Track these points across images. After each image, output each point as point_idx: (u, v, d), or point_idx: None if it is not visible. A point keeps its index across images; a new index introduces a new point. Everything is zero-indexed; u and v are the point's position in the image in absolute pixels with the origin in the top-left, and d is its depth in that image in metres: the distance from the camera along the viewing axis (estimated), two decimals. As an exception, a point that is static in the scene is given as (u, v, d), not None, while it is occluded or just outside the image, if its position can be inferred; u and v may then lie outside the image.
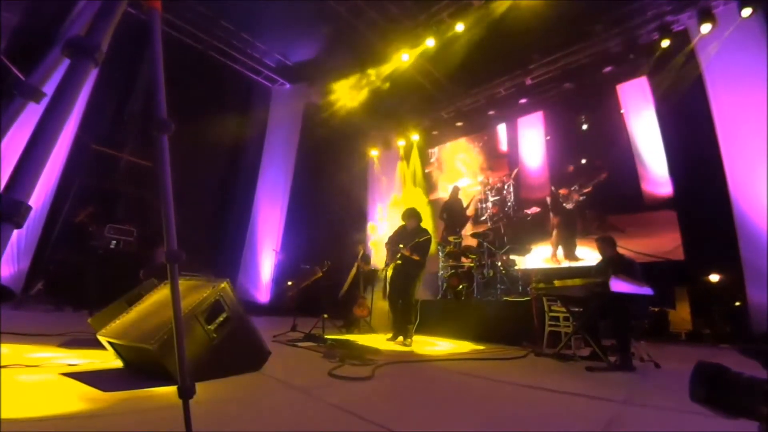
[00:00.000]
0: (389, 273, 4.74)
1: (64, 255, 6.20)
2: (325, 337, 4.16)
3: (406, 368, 3.01)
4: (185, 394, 0.82)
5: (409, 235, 4.66)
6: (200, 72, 7.37)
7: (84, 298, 5.30)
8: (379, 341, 4.45)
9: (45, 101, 0.60)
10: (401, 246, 4.55)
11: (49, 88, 0.65)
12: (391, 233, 5.02)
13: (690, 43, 6.02)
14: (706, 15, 5.74)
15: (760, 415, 0.59)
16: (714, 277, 5.56)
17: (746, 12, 5.34)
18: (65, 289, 5.85)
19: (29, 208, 0.50)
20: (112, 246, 6.26)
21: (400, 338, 4.47)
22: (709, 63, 5.74)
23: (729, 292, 5.31)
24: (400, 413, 1.79)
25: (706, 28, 5.70)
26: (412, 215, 4.85)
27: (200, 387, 1.99)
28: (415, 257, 4.52)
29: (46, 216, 5.80)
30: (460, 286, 6.06)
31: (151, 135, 0.77)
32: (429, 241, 4.66)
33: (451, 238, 6.81)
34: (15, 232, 0.51)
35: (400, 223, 4.95)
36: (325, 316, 5.18)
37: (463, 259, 6.46)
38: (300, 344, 3.86)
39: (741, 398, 0.61)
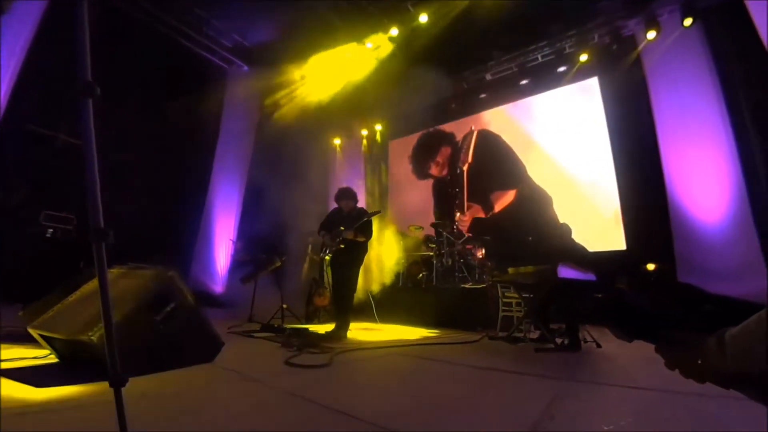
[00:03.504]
0: (327, 259, 4.40)
1: (-5, 243, 5.60)
2: (284, 326, 4.09)
3: (364, 355, 3.04)
4: (116, 382, 0.76)
5: (348, 218, 4.27)
6: (149, 48, 6.86)
7: (16, 289, 4.83)
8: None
9: None
10: (342, 229, 4.13)
11: None
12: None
13: (636, 48, 6.43)
14: (651, 22, 6.14)
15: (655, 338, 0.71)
16: (650, 266, 6.05)
17: (687, 22, 5.77)
18: (-4, 281, 5.31)
19: None
20: (48, 235, 5.74)
21: (362, 326, 4.38)
22: (653, 67, 6.17)
23: (662, 280, 5.80)
24: (358, 397, 1.80)
25: (651, 34, 6.10)
26: (347, 195, 4.44)
27: (146, 380, 1.90)
28: (361, 239, 4.17)
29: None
30: (420, 275, 6.18)
31: (76, 99, 0.69)
32: (371, 221, 4.35)
33: (412, 227, 6.89)
34: None
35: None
36: (284, 306, 5.10)
37: (424, 248, 6.59)
38: (257, 335, 3.78)
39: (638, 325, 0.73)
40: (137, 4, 6.68)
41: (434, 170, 7.77)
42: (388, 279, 6.40)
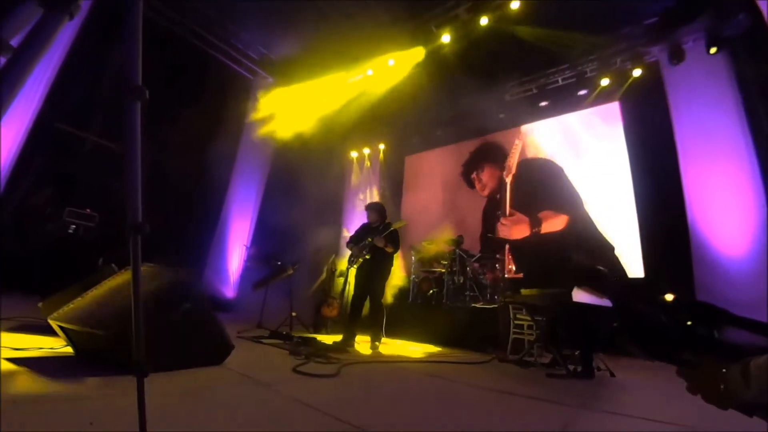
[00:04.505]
0: (352, 272, 4.49)
1: (17, 237, 5.81)
2: (292, 334, 4.09)
3: (371, 368, 3.01)
4: (140, 371, 0.78)
5: (375, 230, 4.42)
6: (177, 56, 7.15)
7: (36, 283, 4.98)
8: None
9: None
10: (369, 240, 4.28)
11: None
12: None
13: (660, 74, 6.39)
14: (676, 49, 6.12)
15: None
16: (669, 297, 5.87)
17: (713, 50, 5.73)
18: (16, 273, 5.48)
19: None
20: (70, 231, 5.92)
21: (367, 339, 4.23)
22: (676, 94, 6.11)
23: (684, 300, 5.59)
24: (363, 409, 1.78)
25: (675, 62, 6.07)
26: (373, 209, 4.65)
27: (158, 377, 1.93)
28: (389, 249, 4.28)
29: (1, 195, 5.42)
30: (431, 291, 6.13)
31: (124, 101, 0.74)
32: (398, 233, 4.46)
33: (424, 243, 6.87)
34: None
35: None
36: (294, 314, 5.12)
37: (435, 265, 6.54)
38: (265, 341, 3.79)
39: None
40: (168, 15, 7.01)
41: (477, 186, 7.42)
42: (398, 294, 6.37)
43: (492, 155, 7.55)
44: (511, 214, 6.37)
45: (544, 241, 6.13)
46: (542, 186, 6.79)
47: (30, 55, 0.53)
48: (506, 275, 5.79)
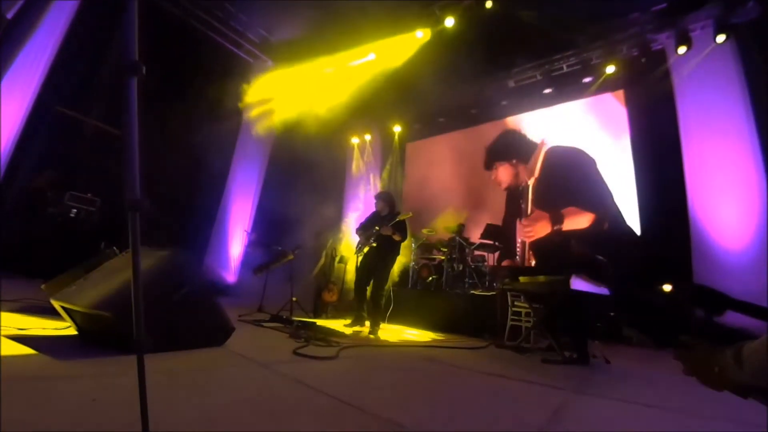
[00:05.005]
0: (359, 258, 4.63)
1: (18, 221, 5.83)
2: (292, 318, 4.14)
3: (370, 351, 3.06)
4: (140, 349, 0.80)
5: (382, 219, 4.54)
6: (176, 39, 7.05)
7: (39, 266, 5.02)
8: (345, 326, 4.47)
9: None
10: (377, 229, 4.40)
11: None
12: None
13: (666, 62, 6.29)
14: (683, 37, 6.00)
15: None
16: (667, 287, 5.89)
17: (720, 38, 5.62)
18: (19, 256, 5.52)
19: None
20: (71, 215, 5.94)
21: (367, 325, 4.34)
22: (682, 82, 6.03)
23: (683, 282, 5.59)
24: (361, 390, 1.82)
25: (682, 49, 5.97)
26: (382, 198, 4.76)
27: (159, 357, 1.96)
28: (397, 237, 4.36)
29: (1, 179, 5.43)
30: (430, 278, 6.17)
31: (121, 77, 0.74)
32: (406, 223, 4.55)
33: (424, 230, 6.89)
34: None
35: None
36: (294, 299, 5.17)
37: (435, 252, 6.57)
38: (266, 324, 3.84)
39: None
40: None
41: (495, 181, 6.95)
42: (397, 280, 6.41)
43: (503, 153, 7.23)
44: (531, 212, 6.07)
45: (564, 238, 5.63)
46: (569, 180, 6.49)
47: (24, 28, 0.52)
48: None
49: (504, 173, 6.56)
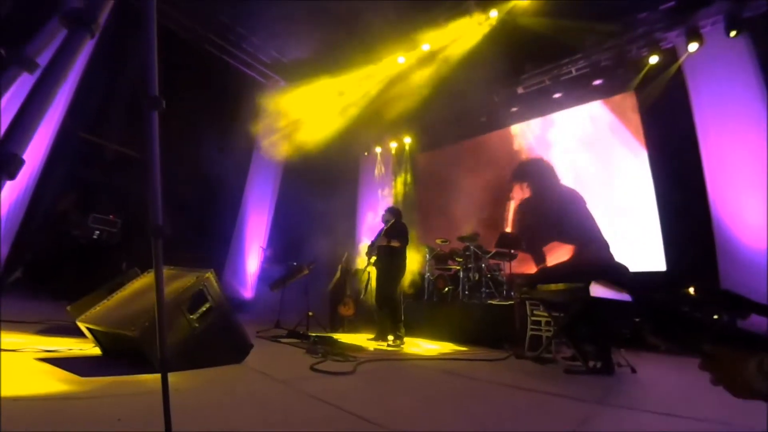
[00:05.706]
0: (373, 274, 4.69)
1: (44, 243, 6.05)
2: (309, 334, 4.15)
3: (388, 365, 3.03)
4: (164, 367, 0.83)
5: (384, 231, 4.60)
6: (191, 62, 7.30)
7: (63, 287, 5.19)
8: (363, 340, 4.46)
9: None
10: (372, 243, 4.52)
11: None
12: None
13: (677, 61, 6.20)
14: (693, 34, 5.92)
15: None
16: (692, 290, 5.69)
17: (732, 33, 5.52)
18: (44, 278, 5.72)
19: (22, 161, 0.53)
20: (95, 236, 6.14)
21: (390, 338, 4.37)
22: (695, 81, 5.92)
23: (706, 287, 5.40)
24: (379, 406, 1.81)
25: (693, 47, 5.88)
26: (389, 210, 4.82)
27: (181, 375, 2.00)
28: (395, 243, 4.32)
29: (28, 203, 5.66)
30: (446, 289, 6.11)
31: (142, 111, 0.78)
32: (404, 227, 4.50)
33: (438, 241, 6.85)
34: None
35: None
36: (310, 314, 5.18)
37: (450, 262, 6.52)
38: (283, 340, 3.86)
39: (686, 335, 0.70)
40: (183, 24, 7.16)
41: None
42: (413, 292, 6.37)
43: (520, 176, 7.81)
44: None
45: (552, 275, 5.84)
46: (552, 219, 6.78)
47: (57, 73, 0.57)
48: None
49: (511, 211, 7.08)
